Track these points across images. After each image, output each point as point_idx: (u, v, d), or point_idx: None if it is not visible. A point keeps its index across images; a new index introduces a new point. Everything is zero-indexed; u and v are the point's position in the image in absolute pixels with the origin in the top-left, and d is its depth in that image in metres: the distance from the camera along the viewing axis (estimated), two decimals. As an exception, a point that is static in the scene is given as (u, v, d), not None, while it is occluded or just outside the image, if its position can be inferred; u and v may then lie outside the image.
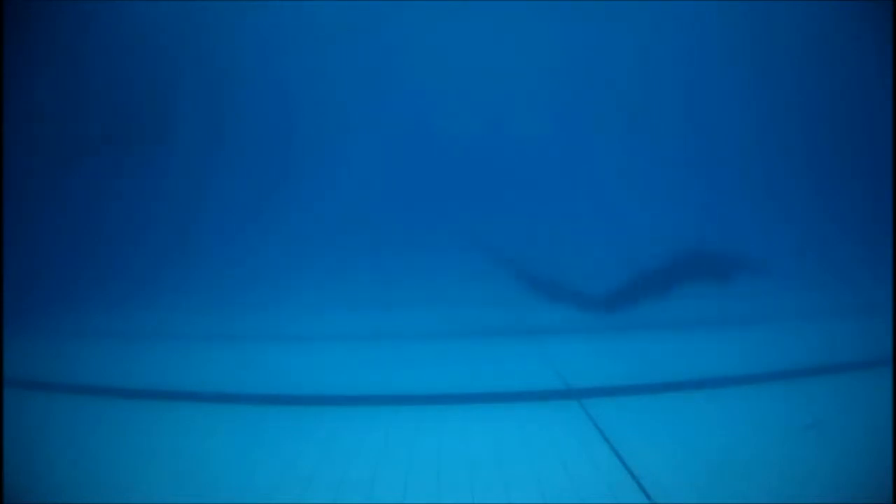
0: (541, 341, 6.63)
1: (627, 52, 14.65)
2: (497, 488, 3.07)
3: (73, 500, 3.00)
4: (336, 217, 16.13)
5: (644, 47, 14.71)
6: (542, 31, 14.00)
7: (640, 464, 3.30)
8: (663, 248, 13.54)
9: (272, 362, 6.00)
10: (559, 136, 15.77)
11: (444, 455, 3.52)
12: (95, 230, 12.72)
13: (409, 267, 12.90)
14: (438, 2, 12.60)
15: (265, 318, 8.76)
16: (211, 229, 14.71)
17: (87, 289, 10.46)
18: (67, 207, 12.26)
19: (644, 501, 2.89)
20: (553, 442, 3.67)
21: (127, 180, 14.11)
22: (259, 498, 3.02)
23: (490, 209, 15.89)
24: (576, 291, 10.27)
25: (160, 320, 8.78)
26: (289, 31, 14.09)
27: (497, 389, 4.85)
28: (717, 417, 4.00)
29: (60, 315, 8.73)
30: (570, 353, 6.06)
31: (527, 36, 13.81)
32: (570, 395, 4.68)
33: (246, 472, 3.34)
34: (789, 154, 16.08)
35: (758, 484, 3.02)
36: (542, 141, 15.67)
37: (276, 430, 3.98)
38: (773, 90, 15.53)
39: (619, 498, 2.93)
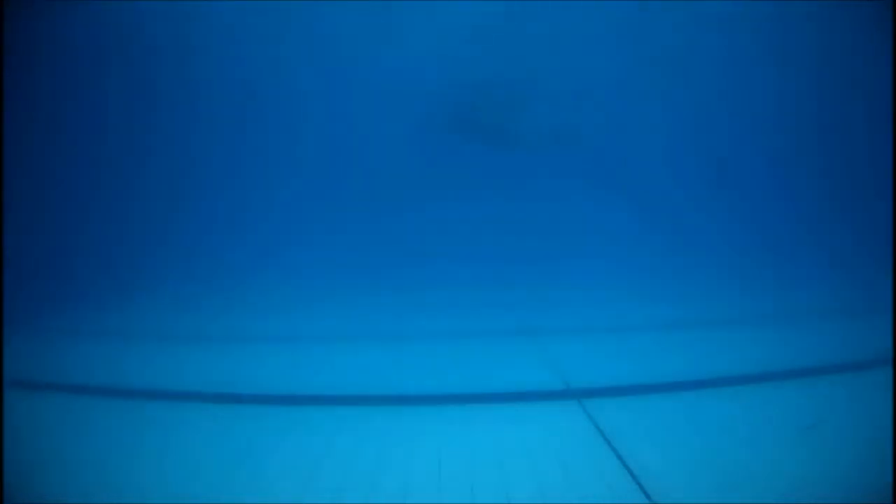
0: (541, 341, 6.63)
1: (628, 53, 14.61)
2: (497, 488, 3.07)
3: (74, 500, 3.00)
4: (336, 219, 16.15)
5: (645, 49, 14.68)
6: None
7: (640, 464, 3.30)
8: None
9: (272, 362, 6.00)
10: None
11: (444, 455, 3.52)
12: (95, 230, 12.72)
13: (409, 268, 12.90)
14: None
15: (265, 318, 8.75)
16: (212, 232, 14.72)
17: (89, 289, 10.46)
18: (66, 207, 12.25)
19: (644, 501, 2.89)
20: (553, 442, 3.67)
21: (128, 182, 14.11)
22: (259, 498, 3.02)
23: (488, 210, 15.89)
24: None
25: (160, 320, 8.78)
26: (294, 34, 14.06)
27: (497, 389, 4.85)
28: (717, 417, 4.00)
29: (61, 315, 8.72)
30: (570, 353, 6.06)
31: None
32: (570, 395, 4.68)
33: (246, 472, 3.34)
34: (787, 154, 16.06)
35: (758, 484, 3.02)
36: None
37: (276, 430, 3.98)
38: (774, 90, 15.50)
39: (619, 498, 2.93)
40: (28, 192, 10.73)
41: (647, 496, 2.93)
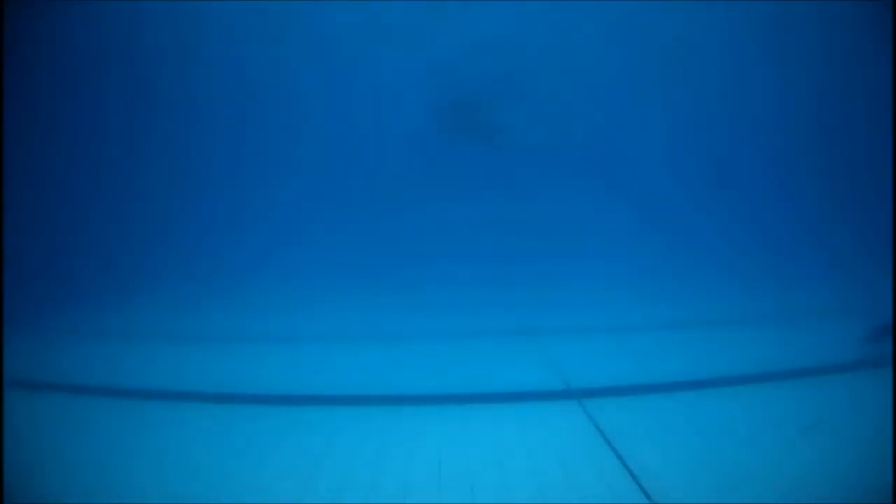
0: (541, 341, 6.63)
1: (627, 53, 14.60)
2: (497, 488, 3.07)
3: (74, 500, 3.00)
4: (336, 219, 16.15)
5: (645, 49, 14.67)
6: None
7: (640, 464, 3.30)
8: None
9: (272, 362, 6.00)
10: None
11: (444, 455, 3.52)
12: (95, 230, 12.72)
13: (409, 268, 12.90)
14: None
15: (265, 318, 8.75)
16: (212, 232, 14.72)
17: (89, 289, 10.45)
18: (66, 207, 12.25)
19: (644, 501, 2.89)
20: (553, 442, 3.67)
21: (128, 182, 14.11)
22: (259, 498, 3.02)
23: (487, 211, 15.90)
24: None
25: (160, 320, 8.78)
26: (294, 34, 14.05)
27: (497, 389, 4.85)
28: (717, 417, 4.00)
29: (61, 315, 8.72)
30: (570, 353, 6.06)
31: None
32: (570, 395, 4.68)
33: (246, 472, 3.34)
34: (787, 154, 16.05)
35: (758, 484, 3.02)
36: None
37: (276, 430, 3.98)
38: (774, 90, 15.49)
39: (619, 498, 2.93)
40: (28, 192, 10.73)
41: (647, 496, 2.93)
